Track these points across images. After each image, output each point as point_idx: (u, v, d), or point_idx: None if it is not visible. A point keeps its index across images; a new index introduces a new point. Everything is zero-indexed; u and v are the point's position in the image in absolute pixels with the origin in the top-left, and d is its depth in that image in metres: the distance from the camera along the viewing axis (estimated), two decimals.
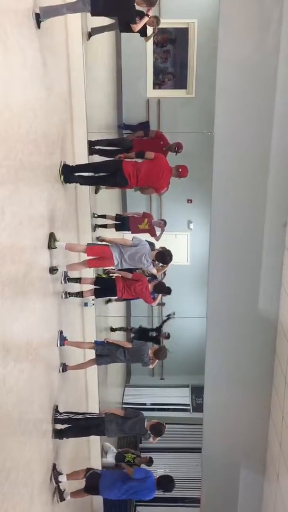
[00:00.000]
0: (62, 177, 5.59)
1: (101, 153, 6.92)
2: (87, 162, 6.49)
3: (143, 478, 5.37)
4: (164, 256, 5.85)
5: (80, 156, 6.42)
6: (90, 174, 6.20)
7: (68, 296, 5.83)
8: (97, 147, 6.93)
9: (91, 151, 6.89)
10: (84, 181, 6.12)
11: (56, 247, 5.13)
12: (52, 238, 5.03)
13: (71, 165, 5.79)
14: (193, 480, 9.82)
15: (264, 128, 6.51)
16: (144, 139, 7.21)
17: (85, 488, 5.40)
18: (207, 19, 9.33)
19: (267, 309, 7.22)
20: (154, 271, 5.97)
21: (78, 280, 5.95)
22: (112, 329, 9.02)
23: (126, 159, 6.29)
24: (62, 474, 5.14)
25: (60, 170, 5.53)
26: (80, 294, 6.13)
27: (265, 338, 7.35)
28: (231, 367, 7.59)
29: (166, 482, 5.47)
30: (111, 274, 6.53)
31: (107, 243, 5.94)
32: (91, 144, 6.84)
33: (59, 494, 5.18)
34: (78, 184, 6.17)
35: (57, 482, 5.07)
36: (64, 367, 5.68)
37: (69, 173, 5.69)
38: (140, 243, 5.78)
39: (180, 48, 10.22)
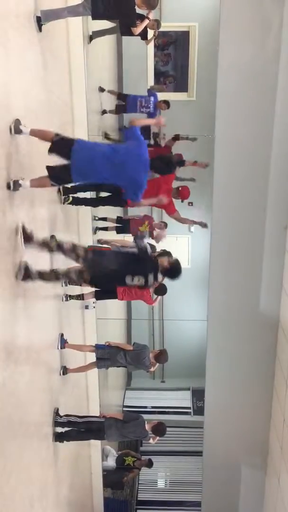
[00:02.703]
0: (68, 200, 5.66)
1: None
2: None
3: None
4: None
5: None
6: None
7: (68, 298, 5.83)
8: None
9: None
10: (91, 203, 6.21)
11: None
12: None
13: (71, 186, 5.70)
14: (194, 484, 9.80)
15: (265, 131, 6.51)
16: (149, 149, 7.15)
17: (51, 150, 3.97)
18: (208, 22, 9.34)
19: (268, 312, 7.20)
20: None
21: None
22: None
23: None
24: (23, 179, 3.81)
25: (62, 192, 5.56)
26: (81, 297, 6.13)
27: (266, 340, 7.33)
28: (232, 370, 7.57)
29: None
30: None
31: (108, 245, 5.95)
32: None
33: (14, 184, 3.70)
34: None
35: (17, 187, 3.70)
36: (65, 370, 5.67)
37: (73, 196, 5.75)
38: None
39: (181, 51, 10.24)
